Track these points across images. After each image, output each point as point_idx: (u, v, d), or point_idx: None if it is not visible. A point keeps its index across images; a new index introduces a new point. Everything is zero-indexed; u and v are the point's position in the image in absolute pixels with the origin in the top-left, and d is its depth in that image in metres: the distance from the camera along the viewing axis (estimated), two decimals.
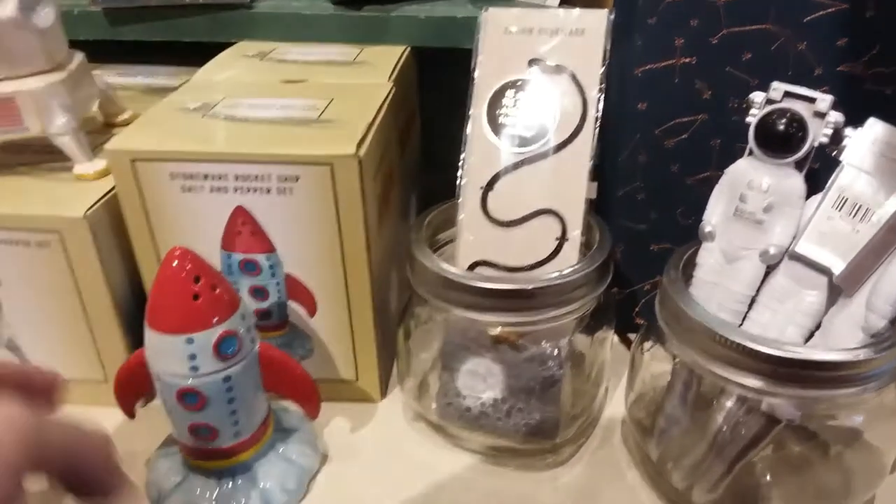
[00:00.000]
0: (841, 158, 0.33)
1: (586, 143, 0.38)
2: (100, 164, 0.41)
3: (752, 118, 0.34)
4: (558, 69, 0.38)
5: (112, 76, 0.52)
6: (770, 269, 0.35)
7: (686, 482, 0.36)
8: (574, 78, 0.38)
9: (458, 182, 0.40)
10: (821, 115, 0.33)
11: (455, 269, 0.37)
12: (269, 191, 0.37)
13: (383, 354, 0.44)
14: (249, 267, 0.39)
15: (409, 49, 0.51)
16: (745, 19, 0.37)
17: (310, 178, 0.36)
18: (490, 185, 0.39)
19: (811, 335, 0.34)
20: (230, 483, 0.36)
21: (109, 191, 0.39)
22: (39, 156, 0.43)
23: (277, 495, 0.37)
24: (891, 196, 0.32)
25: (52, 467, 0.23)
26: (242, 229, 0.38)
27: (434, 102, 0.57)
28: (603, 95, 0.38)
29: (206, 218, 0.38)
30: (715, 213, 0.35)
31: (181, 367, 0.32)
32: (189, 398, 0.33)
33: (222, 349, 0.32)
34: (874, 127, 0.33)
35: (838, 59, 0.37)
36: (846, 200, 0.33)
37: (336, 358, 0.43)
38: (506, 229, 0.39)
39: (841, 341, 0.32)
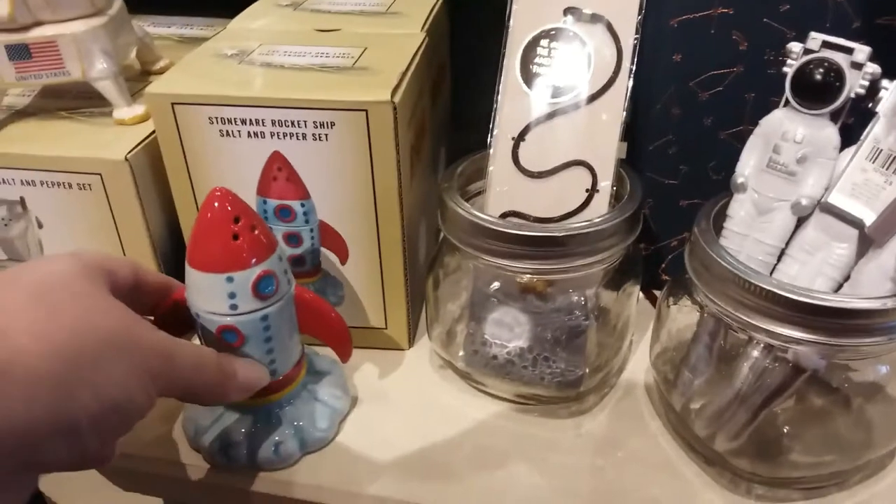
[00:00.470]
0: (877, 110, 0.33)
1: (620, 94, 0.38)
2: (139, 109, 0.42)
3: (790, 68, 0.34)
4: (594, 18, 0.38)
5: (147, 26, 0.52)
6: (801, 222, 0.35)
7: (709, 430, 0.36)
8: (609, 27, 0.38)
9: (489, 132, 0.40)
10: (858, 66, 0.33)
11: (486, 216, 0.38)
12: (304, 137, 0.38)
13: (412, 303, 0.44)
14: (284, 213, 0.40)
15: (441, 0, 0.51)
16: None
17: (345, 124, 0.37)
18: (521, 136, 0.39)
19: (839, 288, 0.34)
20: (264, 421, 0.38)
21: (149, 135, 0.40)
22: (78, 101, 0.44)
23: (310, 433, 0.38)
24: None
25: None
26: (278, 175, 0.39)
27: (465, 58, 0.57)
28: (638, 46, 0.38)
29: (242, 163, 0.39)
30: (748, 165, 0.35)
31: (221, 305, 0.33)
32: (228, 336, 0.34)
33: (260, 288, 0.33)
34: None
35: (877, 12, 0.37)
36: (880, 152, 0.33)
37: (366, 305, 0.44)
38: (536, 180, 0.39)
39: (869, 292, 0.32)
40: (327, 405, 0.39)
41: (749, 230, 0.36)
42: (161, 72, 0.48)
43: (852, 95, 0.33)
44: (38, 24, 0.40)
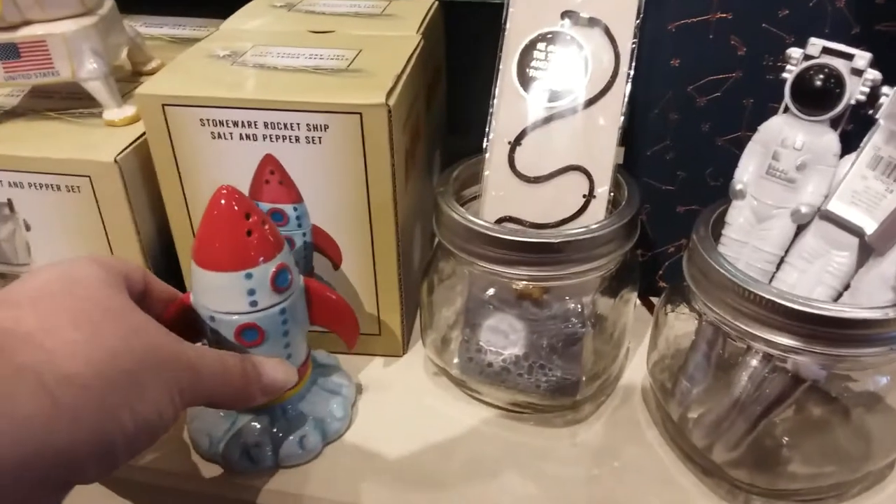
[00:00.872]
0: (877, 117, 0.32)
1: (617, 99, 0.38)
2: (129, 110, 0.41)
3: (789, 74, 0.34)
4: (591, 22, 0.38)
5: (138, 26, 0.52)
6: (800, 229, 0.35)
7: (707, 440, 0.36)
8: (607, 31, 0.38)
9: (485, 137, 0.39)
10: (858, 73, 0.32)
11: (482, 221, 0.37)
12: (297, 139, 0.37)
13: (406, 309, 0.44)
14: (276, 217, 0.39)
15: (437, 3, 0.51)
16: None
17: (339, 127, 0.36)
18: (518, 140, 0.39)
19: (839, 297, 0.34)
20: (283, 418, 0.37)
21: (139, 137, 0.39)
22: (67, 101, 0.44)
23: (329, 424, 0.38)
24: None
25: None
26: (270, 178, 0.38)
27: (461, 61, 0.57)
28: (636, 50, 0.37)
29: (234, 165, 0.38)
30: (746, 171, 0.35)
31: (240, 303, 0.32)
32: (248, 334, 0.33)
33: (279, 282, 0.33)
34: None
35: (876, 18, 0.37)
36: (881, 159, 0.32)
37: (359, 311, 0.43)
38: (532, 185, 0.39)
39: (870, 301, 0.31)
40: (339, 394, 0.40)
41: (748, 237, 0.35)
42: (152, 72, 0.47)
43: (852, 102, 0.33)
44: (28, 23, 0.39)
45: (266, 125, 0.37)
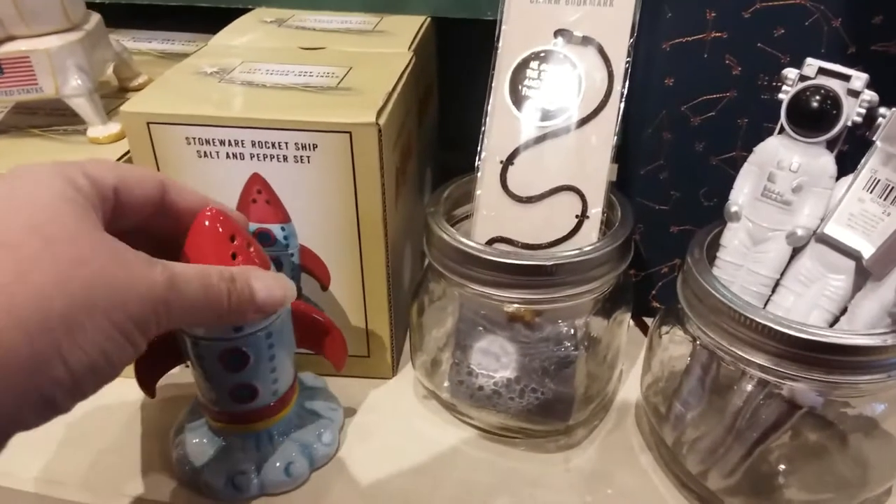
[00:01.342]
0: (874, 139, 0.32)
1: (611, 119, 0.37)
2: (114, 127, 0.40)
3: (785, 94, 0.33)
4: (585, 41, 0.37)
5: (127, 41, 0.51)
6: (796, 252, 0.34)
7: (702, 466, 0.35)
8: (601, 50, 0.37)
9: (477, 155, 0.39)
10: (855, 94, 0.32)
11: (473, 243, 0.36)
12: (285, 159, 0.36)
13: (396, 331, 0.43)
14: (263, 237, 0.38)
15: (429, 19, 0.50)
16: None
17: (328, 146, 0.36)
18: (510, 160, 0.38)
19: (836, 321, 0.33)
20: (268, 444, 0.36)
21: (123, 155, 0.39)
22: (51, 118, 0.43)
23: (317, 449, 0.37)
24: None
25: None
26: (258, 198, 0.37)
27: (453, 78, 0.56)
28: (630, 69, 0.37)
29: (221, 185, 0.37)
30: (742, 193, 0.35)
31: (225, 327, 0.32)
32: (233, 359, 0.33)
33: None
34: None
35: (872, 38, 0.36)
36: (878, 182, 0.32)
37: (348, 333, 0.42)
38: (525, 205, 0.38)
39: (868, 326, 0.31)
40: (327, 418, 0.39)
41: (743, 260, 0.35)
42: (139, 88, 0.46)
43: (849, 124, 0.32)
44: (11, 38, 0.38)
45: (254, 144, 0.36)
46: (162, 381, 0.36)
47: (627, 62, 0.37)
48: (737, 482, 0.34)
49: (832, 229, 0.33)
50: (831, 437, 0.36)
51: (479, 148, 0.39)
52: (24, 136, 0.41)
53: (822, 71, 0.33)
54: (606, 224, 0.38)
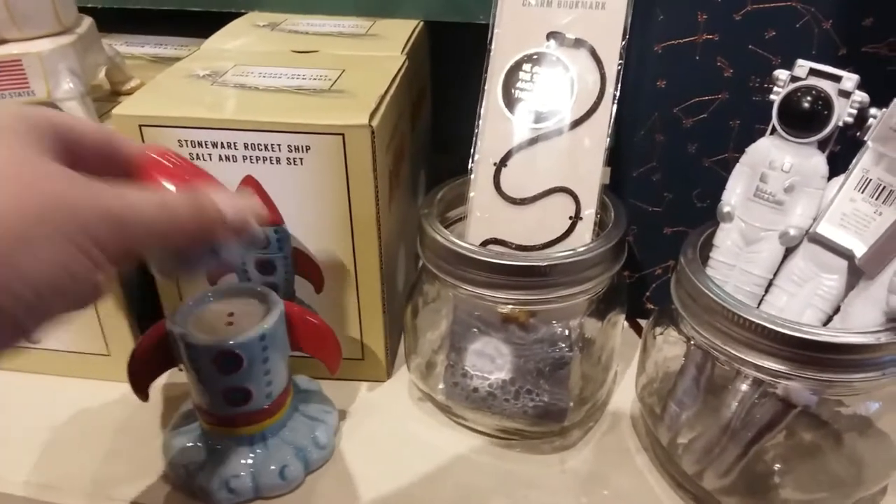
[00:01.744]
0: (865, 139, 0.32)
1: (603, 121, 0.37)
2: None
3: (776, 95, 0.33)
4: (577, 43, 0.37)
5: (119, 45, 0.51)
6: (788, 252, 0.34)
7: (697, 466, 0.35)
8: (593, 52, 0.37)
9: (470, 158, 0.39)
10: (846, 95, 0.32)
11: (467, 244, 0.36)
12: (278, 161, 0.36)
13: (390, 333, 0.43)
14: None
15: (422, 23, 0.51)
16: None
17: (321, 148, 0.36)
18: (503, 162, 0.38)
19: (829, 320, 0.33)
20: (262, 447, 0.36)
21: None
22: None
23: (311, 452, 0.37)
24: None
25: None
26: None
27: (445, 81, 0.56)
28: (622, 71, 0.37)
29: None
30: (734, 193, 0.35)
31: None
32: (227, 361, 0.33)
33: None
34: None
35: (863, 40, 0.37)
36: (869, 182, 0.32)
37: (342, 336, 0.42)
38: (518, 207, 0.38)
39: (861, 324, 0.31)
40: (321, 421, 0.39)
41: (736, 260, 0.35)
42: (131, 92, 0.46)
43: (840, 124, 0.32)
44: (3, 41, 0.38)
45: (246, 146, 0.36)
46: (155, 384, 0.36)
47: (620, 64, 0.37)
48: (732, 482, 0.34)
49: (825, 229, 0.33)
50: (826, 437, 0.36)
51: (472, 150, 0.39)
52: None
53: (813, 72, 0.33)
54: (599, 225, 0.38)
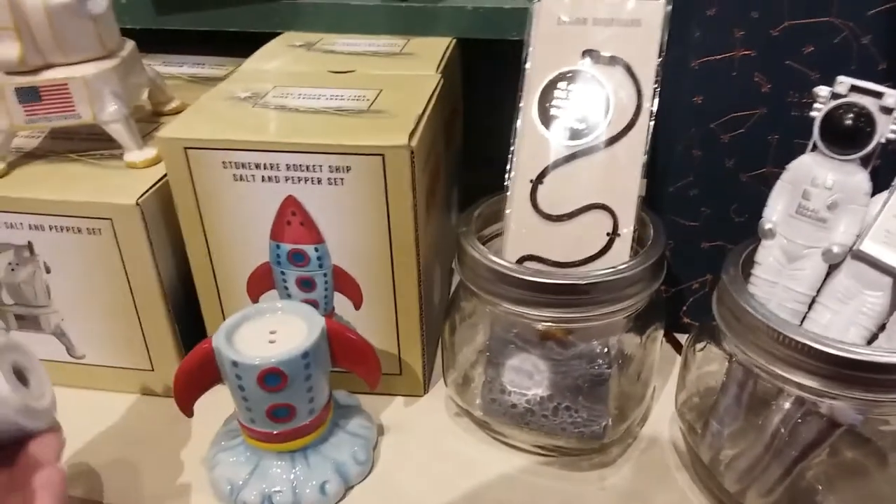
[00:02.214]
0: None
1: (640, 138, 0.37)
2: (150, 152, 0.41)
3: (817, 112, 0.33)
4: (612, 60, 0.38)
5: (158, 65, 0.52)
6: (832, 269, 0.34)
7: (740, 485, 0.35)
8: (629, 70, 0.37)
9: (506, 175, 0.39)
10: (888, 111, 0.32)
11: (505, 262, 0.36)
12: (319, 181, 0.37)
13: (427, 349, 0.43)
14: (297, 257, 0.39)
15: (455, 41, 0.51)
16: (807, 11, 0.36)
17: (361, 168, 0.36)
18: (540, 179, 0.39)
19: (874, 338, 0.33)
20: (304, 462, 0.37)
21: (160, 179, 0.39)
22: (88, 143, 0.44)
23: (351, 467, 0.38)
24: None
25: None
26: (292, 220, 0.38)
27: (477, 97, 0.57)
28: (658, 88, 0.37)
29: (256, 207, 0.38)
30: (776, 210, 0.34)
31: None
32: (271, 379, 0.33)
33: None
34: None
35: None
36: None
37: (380, 352, 0.43)
38: (555, 224, 0.39)
39: None
40: (361, 436, 0.39)
41: (778, 277, 0.35)
42: (172, 112, 0.47)
43: (882, 141, 0.32)
44: (49, 66, 0.39)
45: (288, 167, 0.37)
46: (199, 400, 0.36)
47: (656, 81, 0.37)
48: (775, 501, 0.34)
49: (868, 246, 0.32)
50: (870, 455, 0.36)
51: (508, 167, 0.39)
52: (63, 161, 0.42)
53: (853, 88, 0.33)
54: (637, 241, 0.38)
